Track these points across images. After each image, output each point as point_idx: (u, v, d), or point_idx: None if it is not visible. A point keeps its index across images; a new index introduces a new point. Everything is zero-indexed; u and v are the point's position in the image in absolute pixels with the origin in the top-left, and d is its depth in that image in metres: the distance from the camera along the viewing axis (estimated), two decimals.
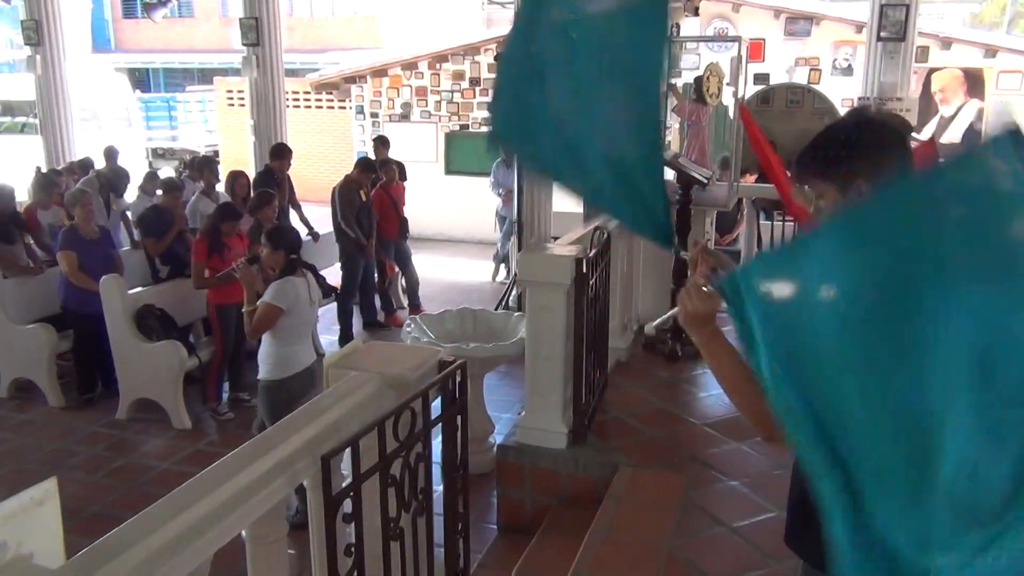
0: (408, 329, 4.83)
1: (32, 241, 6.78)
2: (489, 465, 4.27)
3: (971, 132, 10.59)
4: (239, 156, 12.68)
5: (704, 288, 1.50)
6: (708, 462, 3.81)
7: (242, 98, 13.51)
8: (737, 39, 6.53)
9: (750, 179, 7.22)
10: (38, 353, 5.87)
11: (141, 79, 24.37)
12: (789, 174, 4.73)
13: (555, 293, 3.58)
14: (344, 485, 1.99)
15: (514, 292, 6.78)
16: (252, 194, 6.78)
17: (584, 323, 3.64)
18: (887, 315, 1.07)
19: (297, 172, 8.63)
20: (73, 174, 8.22)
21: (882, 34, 7.09)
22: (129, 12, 24.35)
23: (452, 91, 11.87)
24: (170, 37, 23.74)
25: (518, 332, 4.68)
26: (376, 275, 7.68)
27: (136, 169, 9.82)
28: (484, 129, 11.21)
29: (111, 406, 5.73)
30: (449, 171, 12.00)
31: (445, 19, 18.94)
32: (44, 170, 8.39)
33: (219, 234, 5.56)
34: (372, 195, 7.46)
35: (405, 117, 12.12)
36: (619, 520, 3.25)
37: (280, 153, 7.73)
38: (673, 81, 7.60)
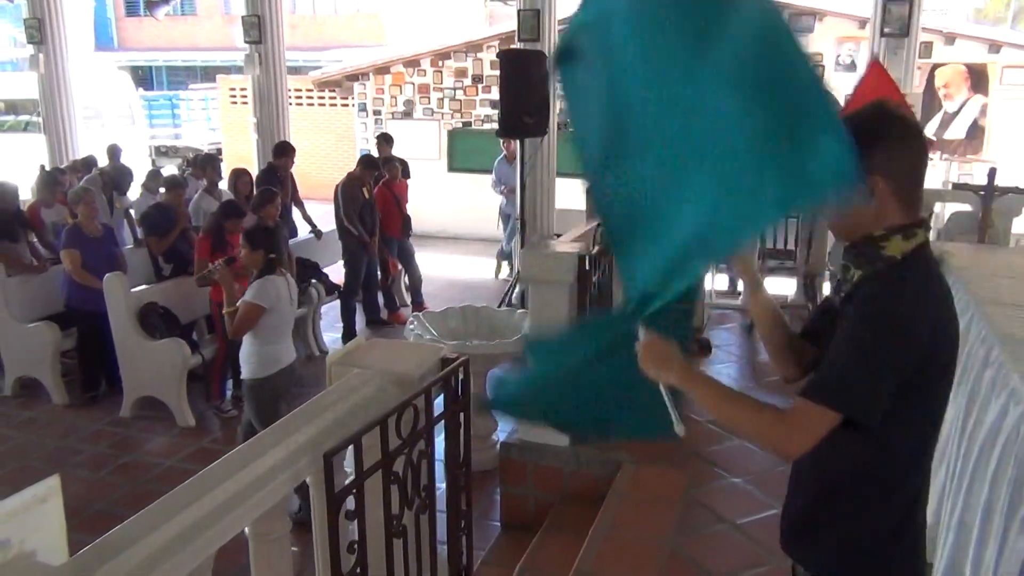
0: (411, 326, 4.82)
1: (36, 239, 6.80)
2: (492, 462, 4.27)
3: (975, 127, 10.55)
4: (242, 154, 12.68)
5: (647, 340, 1.61)
6: (710, 459, 3.81)
7: (245, 96, 13.53)
8: None
9: None
10: (42, 351, 5.88)
11: (144, 77, 24.39)
12: None
13: (558, 290, 3.58)
14: (347, 482, 1.99)
15: (517, 289, 6.77)
16: (255, 192, 6.78)
17: None
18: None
19: (300, 170, 8.64)
20: (76, 172, 8.23)
21: (885, 30, 7.07)
22: (132, 10, 24.42)
23: (455, 88, 11.86)
24: (173, 35, 23.80)
25: (521, 329, 4.69)
26: (379, 272, 7.68)
27: (139, 167, 9.83)
28: (486, 127, 11.24)
29: (115, 404, 5.74)
30: (452, 168, 11.99)
31: (448, 16, 18.96)
32: (47, 168, 8.39)
33: (222, 232, 5.56)
34: (375, 192, 7.46)
35: (408, 114, 12.11)
36: (622, 517, 3.26)
37: (283, 151, 7.74)
38: None
